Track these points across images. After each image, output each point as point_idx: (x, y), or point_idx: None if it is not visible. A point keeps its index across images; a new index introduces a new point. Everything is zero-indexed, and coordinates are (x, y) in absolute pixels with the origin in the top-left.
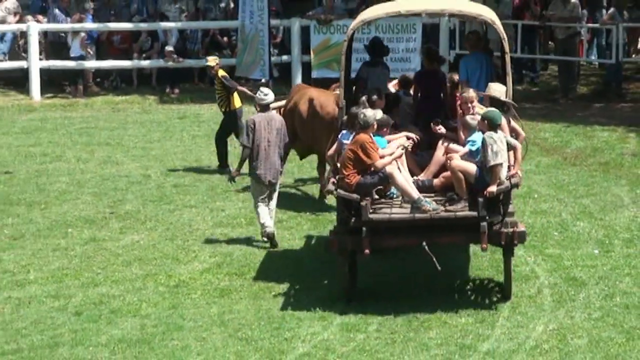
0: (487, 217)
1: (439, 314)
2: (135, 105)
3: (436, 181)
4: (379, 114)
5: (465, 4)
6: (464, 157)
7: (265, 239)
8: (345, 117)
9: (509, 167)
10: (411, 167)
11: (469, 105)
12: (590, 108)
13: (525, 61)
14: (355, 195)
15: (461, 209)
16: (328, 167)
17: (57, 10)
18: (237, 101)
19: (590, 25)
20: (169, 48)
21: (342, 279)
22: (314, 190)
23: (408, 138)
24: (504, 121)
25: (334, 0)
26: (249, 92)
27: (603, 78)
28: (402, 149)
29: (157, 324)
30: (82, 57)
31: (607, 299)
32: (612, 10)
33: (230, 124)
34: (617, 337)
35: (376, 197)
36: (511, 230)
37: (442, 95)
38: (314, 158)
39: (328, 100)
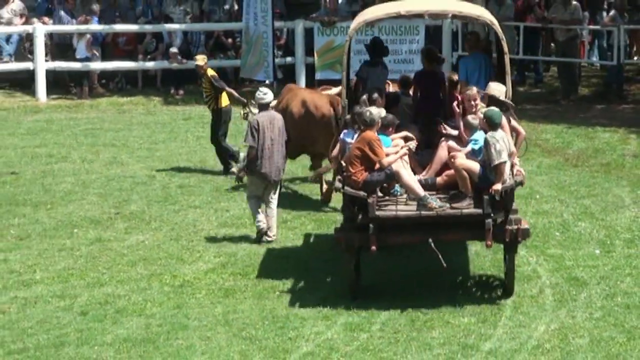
0: (492, 215)
1: (442, 314)
2: (140, 106)
3: (439, 179)
4: (383, 112)
5: (465, 5)
6: (467, 155)
7: (258, 235)
8: (347, 116)
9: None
10: (412, 165)
11: (472, 102)
12: (592, 109)
13: (527, 63)
14: (362, 193)
15: (466, 207)
16: (324, 164)
17: (62, 12)
18: (224, 100)
19: (591, 27)
20: (174, 50)
21: (348, 276)
22: (316, 190)
23: (406, 138)
24: (504, 120)
25: (337, 3)
26: (236, 94)
27: (604, 79)
28: (407, 149)
29: (162, 323)
30: (87, 59)
31: (608, 298)
32: (612, 12)
33: (218, 122)
34: (618, 337)
35: (380, 194)
36: (515, 227)
37: (441, 95)
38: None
39: (322, 102)
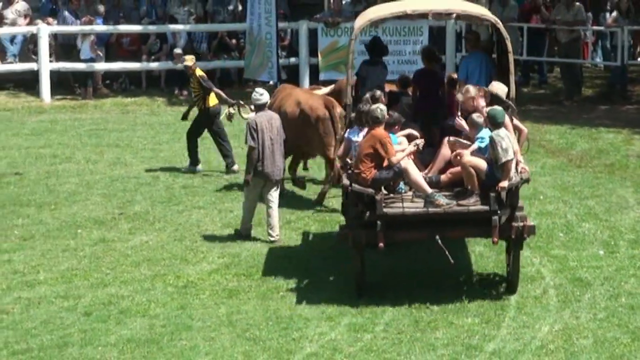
0: (499, 212)
1: (446, 314)
2: (144, 107)
3: (443, 177)
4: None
5: (468, 4)
6: (473, 153)
7: (235, 233)
8: (352, 115)
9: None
10: (415, 163)
11: (472, 103)
12: (596, 110)
13: (531, 64)
14: (370, 190)
15: (473, 204)
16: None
17: (66, 13)
18: (212, 100)
19: (595, 27)
20: (178, 50)
21: (355, 273)
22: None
23: (410, 136)
24: (507, 119)
25: (341, 3)
26: (223, 95)
27: (608, 80)
28: (415, 147)
29: (165, 324)
30: (91, 59)
31: (612, 299)
32: (615, 13)
33: (205, 122)
34: (623, 338)
35: (385, 192)
36: (521, 224)
37: (440, 94)
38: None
39: (317, 102)
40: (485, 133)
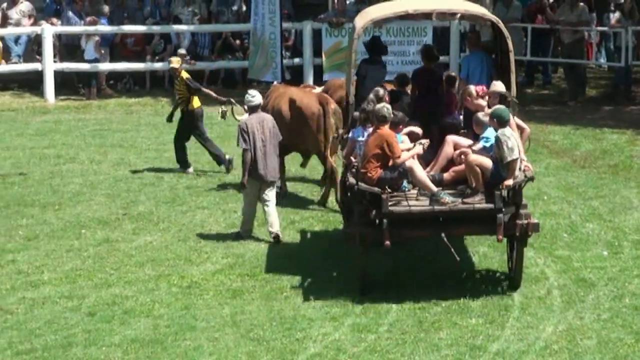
0: (503, 209)
1: (449, 315)
2: (148, 107)
3: (446, 175)
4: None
5: (470, 4)
6: (478, 152)
7: (235, 237)
8: (355, 114)
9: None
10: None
11: (474, 101)
12: (600, 111)
13: (535, 64)
14: (376, 189)
15: (478, 202)
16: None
17: (70, 13)
18: (196, 102)
19: (599, 28)
20: (182, 51)
21: (359, 270)
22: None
23: (411, 135)
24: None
25: (345, 4)
26: (213, 94)
27: (612, 81)
28: (421, 146)
29: (169, 324)
30: (96, 60)
31: (616, 300)
32: (618, 14)
33: (189, 124)
34: (626, 338)
35: (388, 190)
36: (525, 221)
37: (439, 92)
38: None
39: (311, 100)
40: (489, 132)
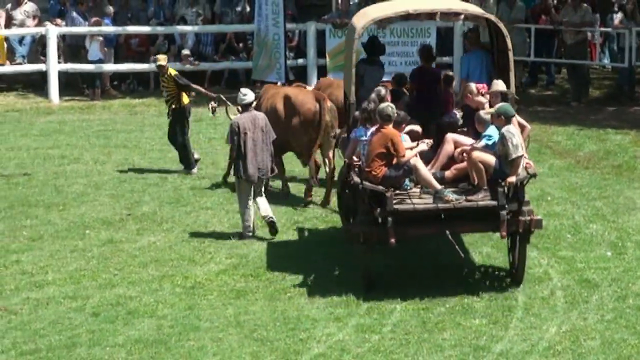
0: (507, 206)
1: (453, 315)
2: (152, 107)
3: (448, 173)
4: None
5: (469, 5)
6: (481, 149)
7: (239, 238)
8: (356, 113)
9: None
10: None
11: (471, 96)
12: (603, 111)
13: (539, 65)
14: (381, 187)
15: (482, 199)
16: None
17: (75, 14)
18: (185, 98)
19: (603, 29)
20: (186, 51)
21: (363, 267)
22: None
23: (411, 133)
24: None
25: (349, 4)
26: (203, 90)
27: (616, 82)
28: (425, 145)
29: (173, 324)
30: (100, 61)
31: (619, 300)
32: (620, 15)
33: (180, 120)
34: (630, 339)
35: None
36: (528, 218)
37: (437, 91)
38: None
39: (307, 98)
40: (492, 130)
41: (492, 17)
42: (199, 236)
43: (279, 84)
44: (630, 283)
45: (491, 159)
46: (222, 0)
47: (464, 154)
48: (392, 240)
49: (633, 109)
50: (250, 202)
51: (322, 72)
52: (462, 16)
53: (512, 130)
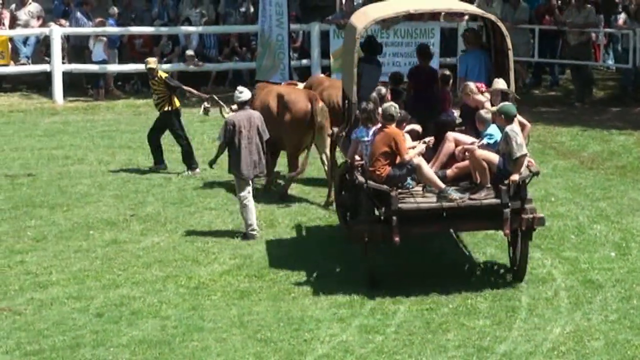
0: (510, 204)
1: (457, 316)
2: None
3: (449, 172)
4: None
5: (469, 5)
6: (483, 147)
7: (243, 238)
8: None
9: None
10: None
11: (470, 95)
12: (607, 112)
13: (543, 65)
14: (385, 187)
15: (485, 197)
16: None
17: (79, 14)
18: (177, 100)
19: (607, 30)
20: (190, 52)
21: (369, 264)
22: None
23: (411, 133)
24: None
25: (353, 5)
26: (195, 91)
27: (620, 82)
28: (425, 144)
29: (177, 325)
30: (104, 61)
31: (624, 301)
32: (623, 15)
33: (171, 123)
34: (634, 340)
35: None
36: (531, 216)
37: (435, 90)
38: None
39: (300, 96)
40: (493, 129)
41: (492, 17)
42: (203, 237)
43: (281, 84)
44: (634, 284)
45: (495, 157)
46: (226, 0)
47: (466, 153)
48: (397, 238)
49: (637, 110)
50: (249, 201)
51: (326, 72)
52: (467, 17)
53: (516, 129)
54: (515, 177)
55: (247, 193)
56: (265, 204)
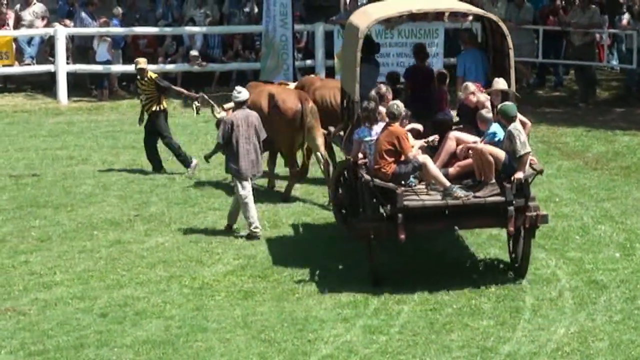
0: (514, 202)
1: (461, 317)
2: None
3: (451, 170)
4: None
5: (469, 5)
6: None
7: (247, 238)
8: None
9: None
10: None
11: (470, 95)
12: (611, 113)
13: (547, 66)
14: (392, 185)
15: (489, 195)
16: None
17: (83, 15)
18: (165, 101)
19: (611, 30)
20: (194, 52)
21: (372, 262)
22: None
23: (412, 132)
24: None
25: (357, 5)
26: (185, 91)
27: (624, 83)
28: (425, 144)
29: (181, 325)
30: (108, 61)
31: (628, 302)
32: (627, 16)
33: (159, 123)
34: (638, 340)
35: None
36: (535, 213)
37: (431, 89)
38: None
39: (290, 96)
40: (495, 128)
41: (493, 17)
42: (207, 237)
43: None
44: (638, 284)
45: (502, 153)
46: (230, 1)
47: (470, 151)
48: (402, 236)
49: None
50: (250, 199)
51: (330, 73)
52: (471, 17)
53: (519, 127)
54: (519, 174)
55: (247, 192)
56: (269, 204)
